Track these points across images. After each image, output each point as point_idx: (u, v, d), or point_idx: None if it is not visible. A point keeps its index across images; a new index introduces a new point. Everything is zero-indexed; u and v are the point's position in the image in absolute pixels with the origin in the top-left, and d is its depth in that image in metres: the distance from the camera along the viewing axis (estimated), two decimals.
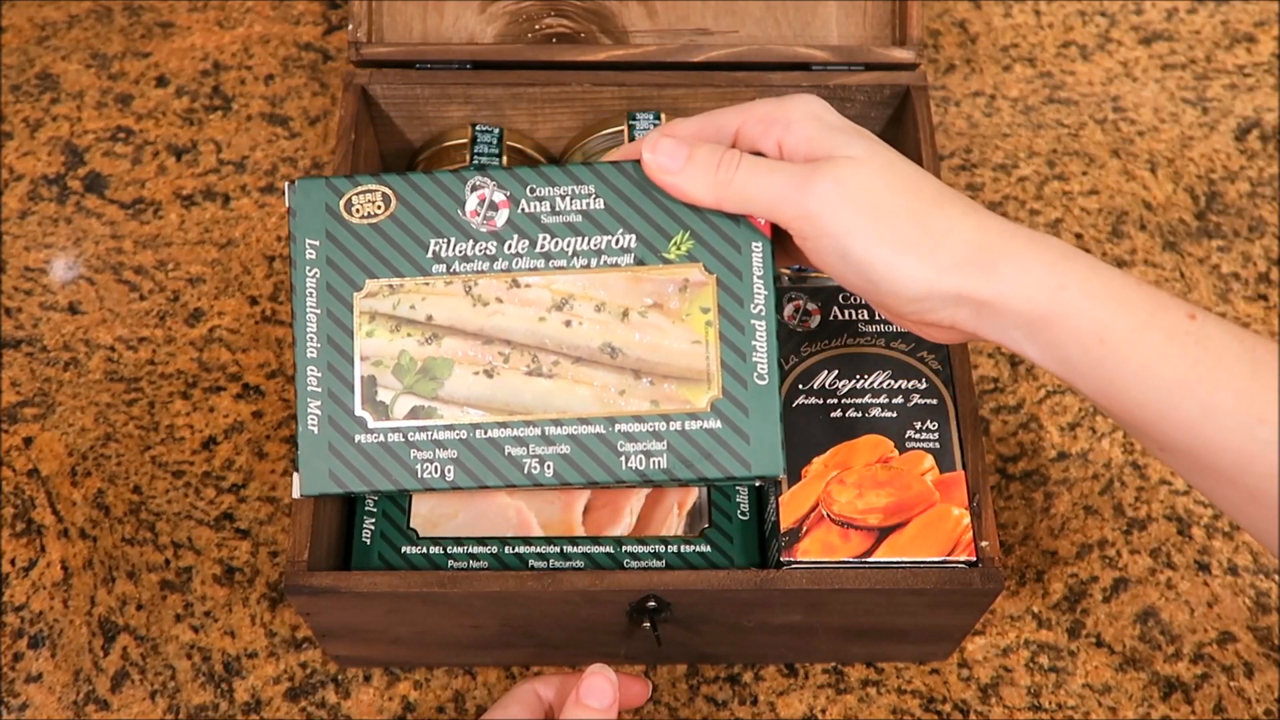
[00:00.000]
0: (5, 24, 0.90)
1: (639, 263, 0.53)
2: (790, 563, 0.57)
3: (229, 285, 0.78)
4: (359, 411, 0.52)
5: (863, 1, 0.73)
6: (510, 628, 0.61)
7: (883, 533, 0.57)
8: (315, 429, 0.52)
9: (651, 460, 0.52)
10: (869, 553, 0.57)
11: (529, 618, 0.60)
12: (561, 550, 0.60)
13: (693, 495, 0.62)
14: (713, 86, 0.72)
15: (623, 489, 0.61)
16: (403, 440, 0.52)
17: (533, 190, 0.53)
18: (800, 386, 0.61)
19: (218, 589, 0.68)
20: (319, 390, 0.52)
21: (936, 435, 0.60)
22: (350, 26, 0.72)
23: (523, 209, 0.53)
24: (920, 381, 0.61)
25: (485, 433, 0.52)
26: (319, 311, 0.52)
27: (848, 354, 0.62)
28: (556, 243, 0.53)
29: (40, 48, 0.89)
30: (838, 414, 0.60)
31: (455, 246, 0.52)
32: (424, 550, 0.60)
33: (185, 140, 0.84)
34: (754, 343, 0.53)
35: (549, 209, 0.52)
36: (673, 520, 0.61)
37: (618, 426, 0.52)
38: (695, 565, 0.60)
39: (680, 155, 0.51)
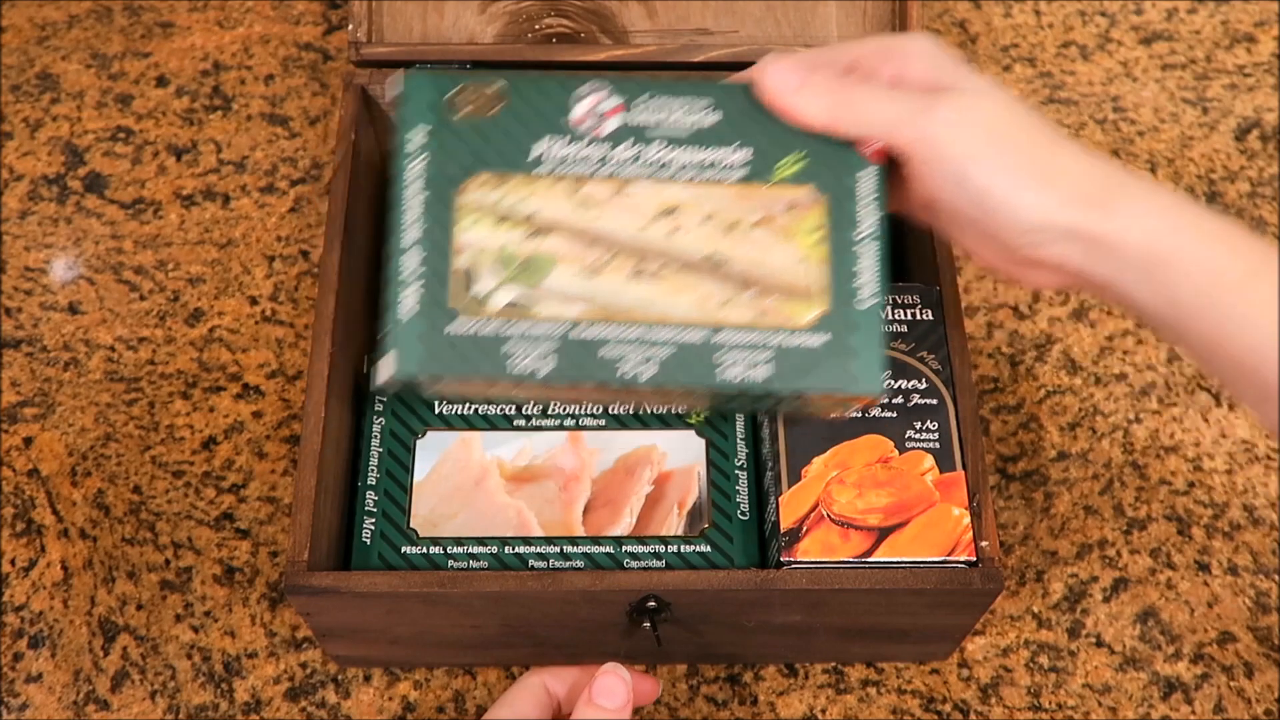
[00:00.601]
0: (5, 24, 0.90)
1: (749, 180, 0.53)
2: (790, 563, 0.57)
3: (229, 285, 0.78)
4: (452, 303, 0.51)
5: (863, 1, 0.73)
6: (510, 628, 0.61)
7: (883, 533, 0.57)
8: (407, 317, 0.51)
9: (751, 371, 0.52)
10: (869, 553, 0.57)
11: (529, 618, 0.60)
12: (561, 550, 0.60)
13: (692, 495, 0.62)
14: None
15: (624, 489, 0.61)
16: (497, 333, 0.51)
17: (645, 99, 0.53)
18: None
19: (218, 589, 0.68)
20: (414, 279, 0.52)
21: (936, 435, 0.60)
22: (350, 26, 0.72)
23: (634, 118, 0.53)
24: (920, 381, 0.61)
25: (583, 331, 0.51)
26: (419, 201, 0.52)
27: None
28: (666, 153, 0.53)
29: (40, 48, 0.89)
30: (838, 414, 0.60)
31: (563, 149, 0.53)
32: (424, 550, 0.60)
33: (185, 140, 0.84)
34: (861, 265, 0.53)
35: (661, 119, 0.53)
36: (673, 520, 0.61)
37: (718, 336, 0.52)
38: (695, 565, 0.60)
39: (797, 75, 0.51)
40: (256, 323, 0.77)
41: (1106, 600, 0.69)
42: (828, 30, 0.73)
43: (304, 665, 0.66)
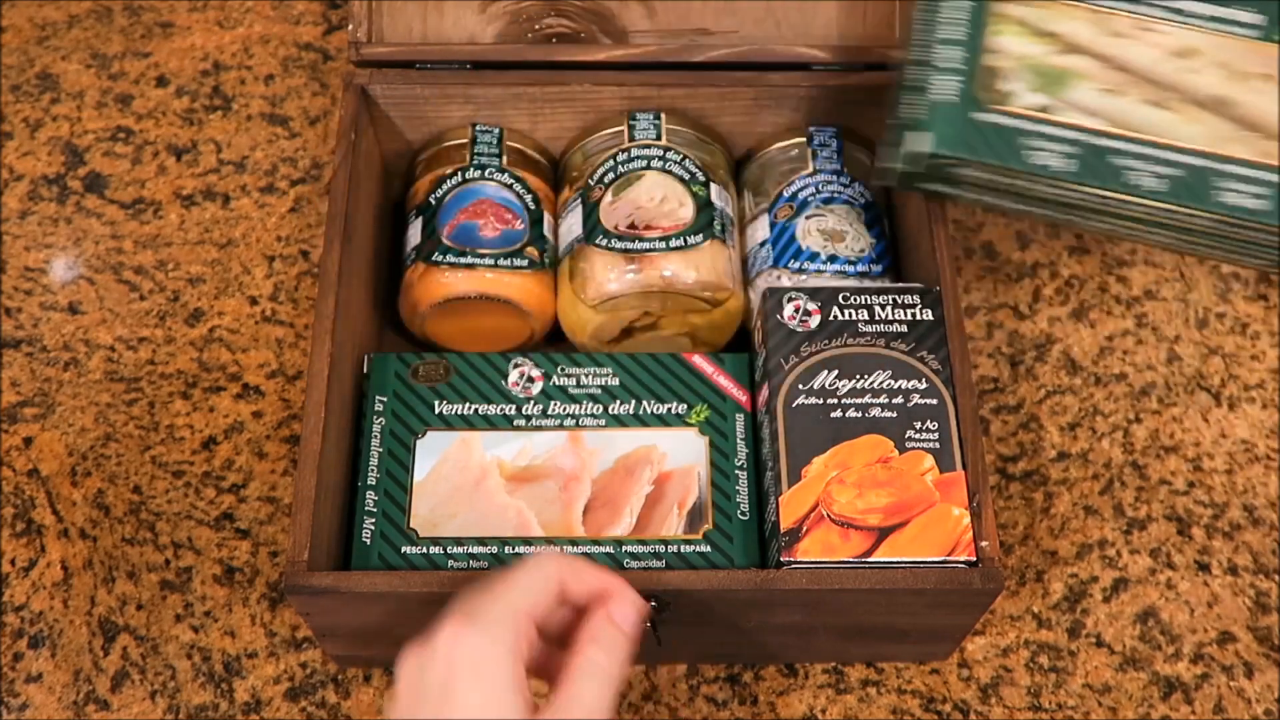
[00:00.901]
0: (5, 24, 0.90)
1: (1264, 38, 0.59)
2: (790, 563, 0.57)
3: (229, 285, 0.78)
4: (981, 95, 0.58)
5: (863, 1, 0.73)
6: None
7: (883, 533, 0.57)
8: (944, 100, 0.58)
9: (1248, 200, 0.56)
10: (869, 553, 0.57)
11: None
12: (561, 550, 0.60)
13: (693, 495, 0.62)
14: (713, 86, 0.72)
15: (624, 489, 0.61)
16: (1019, 127, 0.57)
17: None
18: (800, 386, 0.61)
19: (218, 589, 0.68)
20: (949, 69, 0.59)
21: (936, 435, 0.60)
22: (350, 26, 0.72)
23: None
24: (920, 381, 0.61)
25: (1098, 139, 0.57)
26: (961, 3, 0.60)
27: (848, 354, 0.62)
28: (1190, 4, 0.59)
29: (40, 48, 0.89)
30: (838, 414, 0.60)
31: None
32: (424, 550, 0.60)
33: (185, 140, 0.84)
34: None
35: None
36: (673, 520, 0.61)
37: (1222, 165, 0.56)
38: (695, 565, 0.60)
39: None
40: (256, 323, 0.77)
41: (1106, 600, 0.69)
42: (828, 30, 0.73)
43: (304, 665, 0.66)
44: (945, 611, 0.59)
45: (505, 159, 0.72)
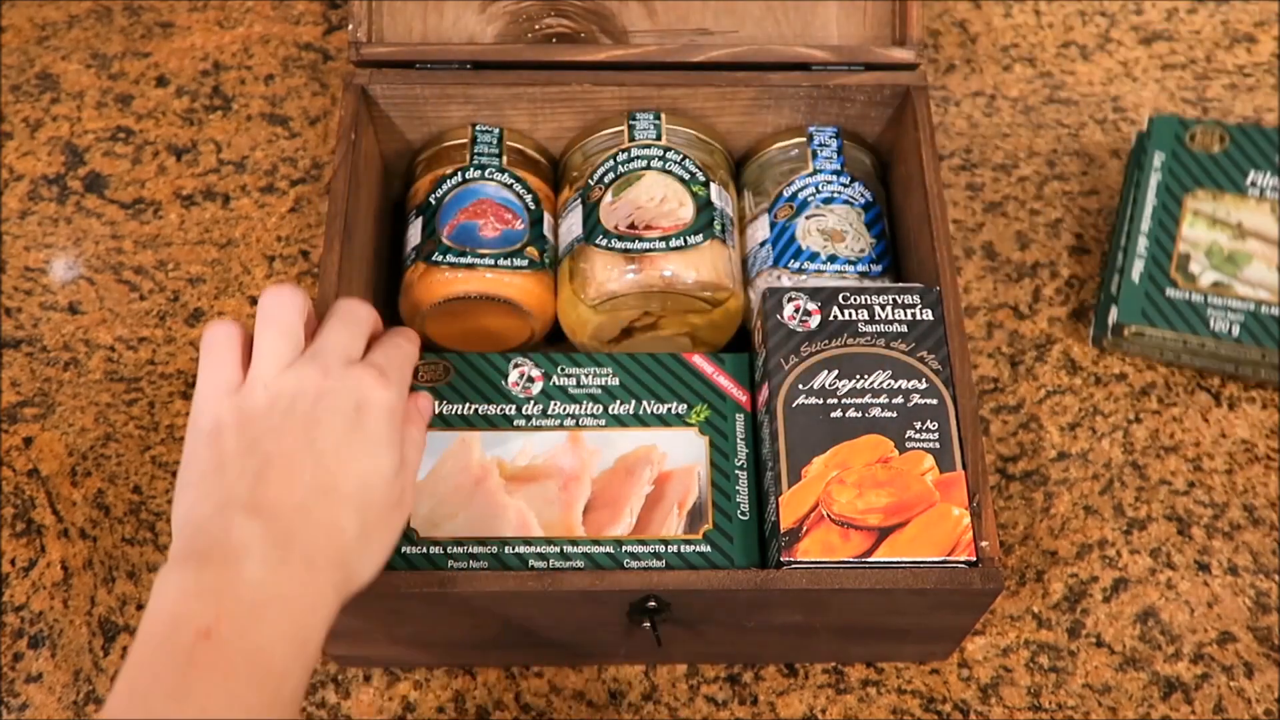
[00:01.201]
0: (5, 24, 0.90)
1: None
2: (790, 563, 0.57)
3: (229, 285, 0.78)
4: (1173, 274, 0.70)
5: (863, 1, 0.73)
6: (510, 628, 0.61)
7: (883, 533, 0.57)
8: (1136, 280, 0.70)
9: None
10: (869, 553, 0.57)
11: (529, 618, 0.60)
12: (561, 551, 0.60)
13: (693, 495, 0.62)
14: (713, 86, 0.72)
15: (624, 489, 0.61)
16: (1202, 300, 0.69)
17: None
18: (800, 386, 0.61)
19: None
20: (1144, 255, 0.70)
21: (936, 435, 0.60)
22: (350, 26, 0.72)
23: None
24: (920, 381, 0.61)
25: (1269, 310, 0.69)
26: (1154, 204, 0.71)
27: (848, 354, 0.62)
28: None
29: (40, 48, 0.89)
30: (838, 414, 0.60)
31: (1269, 179, 0.71)
32: (424, 550, 0.60)
33: (185, 140, 0.84)
34: None
35: None
36: (673, 520, 0.61)
37: None
38: (695, 566, 0.60)
39: None
40: (249, 316, 0.77)
41: (1106, 600, 0.69)
42: (828, 30, 0.73)
43: None
44: (945, 611, 0.59)
45: (505, 159, 0.72)
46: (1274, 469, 0.73)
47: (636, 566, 0.60)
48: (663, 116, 0.73)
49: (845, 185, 0.72)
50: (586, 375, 0.65)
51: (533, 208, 0.71)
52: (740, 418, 0.64)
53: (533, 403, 0.64)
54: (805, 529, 0.57)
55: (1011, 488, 0.72)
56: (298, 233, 0.80)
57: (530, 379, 0.65)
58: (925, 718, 0.65)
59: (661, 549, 0.60)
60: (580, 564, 0.60)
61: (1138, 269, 0.70)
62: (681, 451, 0.63)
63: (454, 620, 0.60)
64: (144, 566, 0.69)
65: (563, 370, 0.65)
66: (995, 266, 0.80)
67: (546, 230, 0.71)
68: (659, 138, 0.71)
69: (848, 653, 0.66)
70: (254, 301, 0.77)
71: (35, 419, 0.73)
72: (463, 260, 0.68)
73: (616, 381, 0.65)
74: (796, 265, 0.69)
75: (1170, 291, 0.69)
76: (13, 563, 0.69)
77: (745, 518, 0.61)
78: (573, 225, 0.70)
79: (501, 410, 0.64)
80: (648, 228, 0.68)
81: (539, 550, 0.60)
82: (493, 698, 0.66)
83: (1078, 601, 0.69)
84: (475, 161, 0.72)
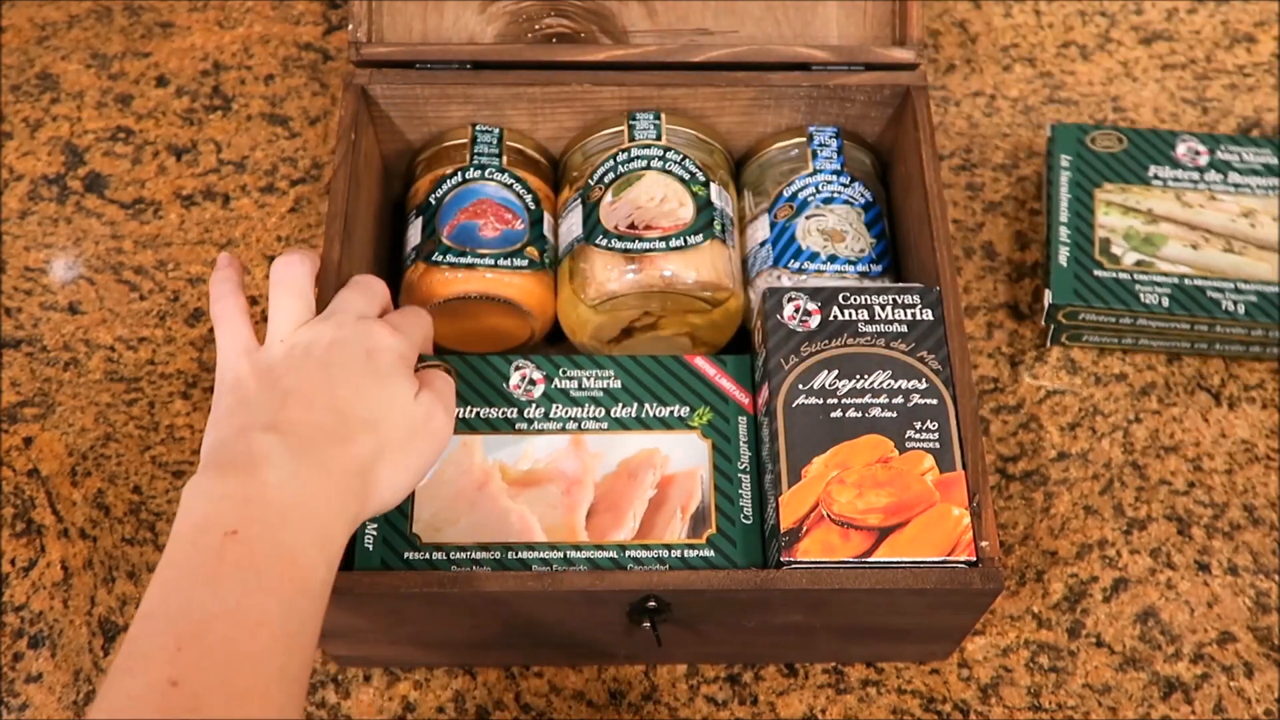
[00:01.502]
0: (5, 24, 0.90)
1: None
2: (790, 563, 0.57)
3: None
4: (1097, 256, 0.75)
5: (863, 1, 0.73)
6: (510, 628, 0.61)
7: (883, 533, 0.57)
8: (1064, 264, 0.74)
9: None
10: (869, 553, 0.57)
11: (529, 618, 0.60)
12: (565, 555, 0.60)
13: (696, 499, 0.62)
14: (713, 86, 0.72)
15: (627, 493, 0.61)
16: (1129, 278, 0.74)
17: (1227, 146, 0.79)
18: (800, 386, 0.61)
19: None
20: (1067, 242, 0.75)
21: (936, 435, 0.60)
22: (350, 26, 0.72)
23: (1220, 155, 0.78)
24: (920, 381, 0.61)
25: (1191, 281, 0.74)
26: (1069, 197, 0.77)
27: (848, 354, 0.62)
28: (1244, 180, 0.77)
29: (40, 48, 0.89)
30: (838, 414, 0.60)
31: (1169, 173, 0.77)
32: (426, 556, 0.60)
33: (185, 140, 0.84)
34: None
35: (1237, 159, 0.78)
36: (676, 524, 0.61)
37: None
38: (698, 570, 0.60)
39: None
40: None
41: (1106, 600, 0.69)
42: (828, 30, 0.73)
43: None
44: (945, 611, 0.59)
45: (505, 159, 0.72)
46: (1274, 469, 0.73)
47: (639, 570, 0.60)
48: (663, 116, 0.73)
49: (845, 185, 0.72)
50: (588, 378, 0.65)
51: (533, 208, 0.71)
52: (743, 420, 0.64)
53: (535, 406, 0.64)
54: (805, 529, 0.57)
55: (1011, 488, 0.72)
56: (298, 233, 0.80)
57: (532, 381, 0.65)
58: (925, 718, 0.65)
59: (665, 553, 0.60)
60: (583, 569, 0.59)
61: (1064, 254, 0.75)
62: (684, 455, 0.63)
63: (454, 620, 0.60)
64: (144, 566, 0.69)
65: (564, 373, 0.65)
66: (995, 266, 0.80)
67: (546, 230, 0.71)
68: (659, 138, 0.71)
69: (848, 653, 0.66)
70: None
71: (35, 419, 0.73)
72: (463, 260, 0.68)
73: (618, 384, 0.65)
74: (796, 265, 0.69)
75: (1098, 272, 0.74)
76: (13, 563, 0.69)
77: (748, 521, 0.61)
78: (573, 225, 0.70)
79: (503, 413, 0.64)
80: (648, 228, 0.68)
81: (542, 555, 0.60)
82: (493, 698, 0.66)
83: (1078, 601, 0.69)
84: (475, 161, 0.72)
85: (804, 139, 0.74)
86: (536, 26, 0.74)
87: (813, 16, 0.73)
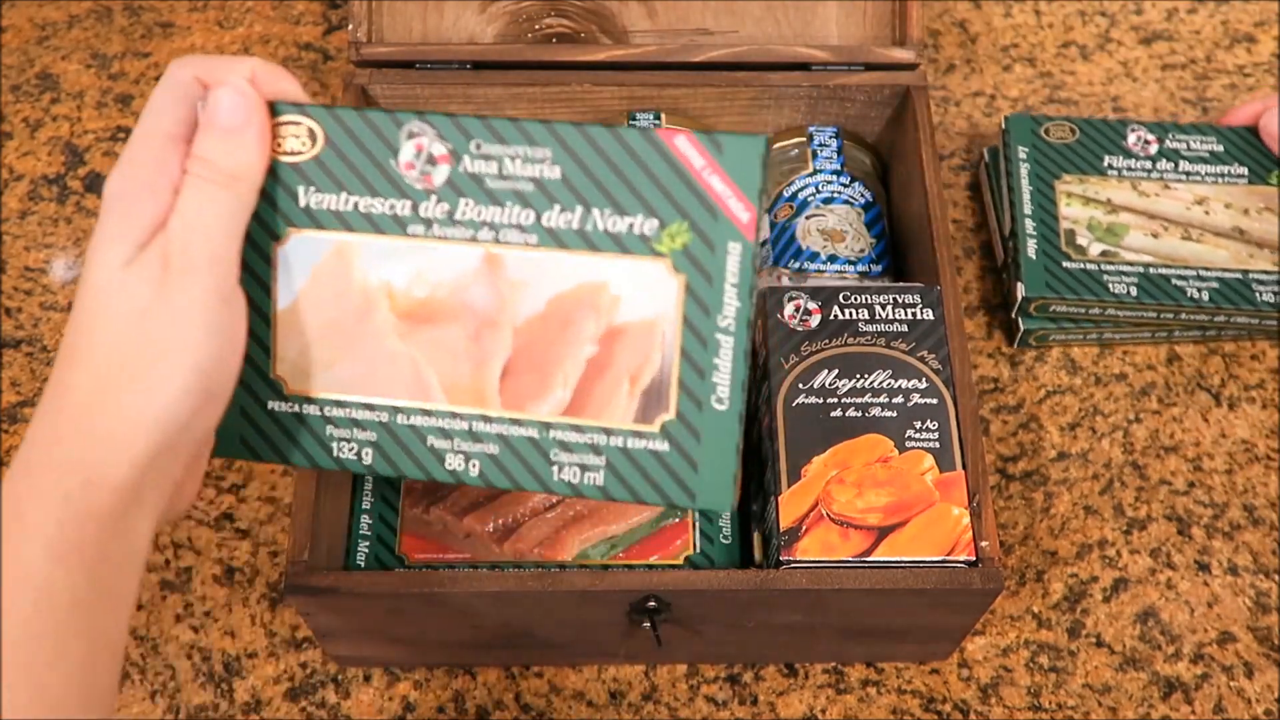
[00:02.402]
0: (5, 24, 0.90)
1: (1251, 182, 0.77)
2: (790, 562, 0.57)
3: None
4: (1064, 248, 0.74)
5: (863, 1, 0.73)
6: (510, 628, 0.61)
7: (882, 532, 0.57)
8: (1033, 256, 0.74)
9: (1270, 296, 0.73)
10: (869, 552, 0.57)
11: (529, 618, 0.60)
12: (470, 429, 0.45)
13: (652, 366, 0.45)
14: (713, 86, 0.72)
15: (556, 346, 0.45)
16: (1097, 268, 0.73)
17: (1175, 135, 0.79)
18: (800, 386, 0.61)
19: (218, 589, 0.68)
20: (1034, 234, 0.74)
21: (936, 435, 0.60)
22: (350, 26, 0.72)
23: (1169, 144, 0.78)
24: (920, 381, 0.61)
25: (1157, 270, 0.74)
26: (1030, 190, 0.76)
27: (848, 354, 0.62)
28: (1195, 168, 0.77)
29: (40, 48, 0.89)
30: (838, 414, 0.60)
31: (1123, 163, 0.77)
32: (295, 409, 0.46)
33: None
34: None
35: (1185, 147, 0.78)
36: (620, 400, 0.45)
37: (1250, 275, 0.74)
38: (644, 467, 0.45)
39: None
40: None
41: (1106, 600, 0.69)
42: (828, 30, 0.73)
43: (304, 665, 0.66)
44: (945, 611, 0.59)
45: None
46: (1274, 469, 0.73)
47: (566, 460, 0.46)
48: (663, 116, 0.73)
49: (845, 185, 0.72)
50: (513, 160, 0.44)
51: None
52: (734, 249, 0.44)
53: (435, 199, 0.45)
54: (805, 528, 0.57)
55: (1011, 488, 0.72)
56: None
57: (431, 161, 0.44)
58: (925, 718, 0.65)
59: (602, 440, 0.45)
60: (493, 447, 0.46)
61: (1032, 247, 0.74)
62: (642, 296, 0.44)
63: (454, 620, 0.60)
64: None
65: (478, 147, 0.44)
66: (995, 266, 0.80)
67: None
68: None
69: (848, 653, 0.66)
70: None
71: None
72: None
73: (557, 174, 0.44)
74: (796, 265, 0.69)
75: (1066, 264, 0.74)
76: None
77: (722, 407, 0.44)
78: None
79: (391, 207, 0.45)
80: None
81: (441, 424, 0.46)
82: (493, 698, 0.66)
83: (1078, 601, 0.69)
84: None
85: (804, 139, 0.74)
86: (536, 26, 0.74)
87: (813, 16, 0.73)
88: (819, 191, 0.71)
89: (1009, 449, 0.73)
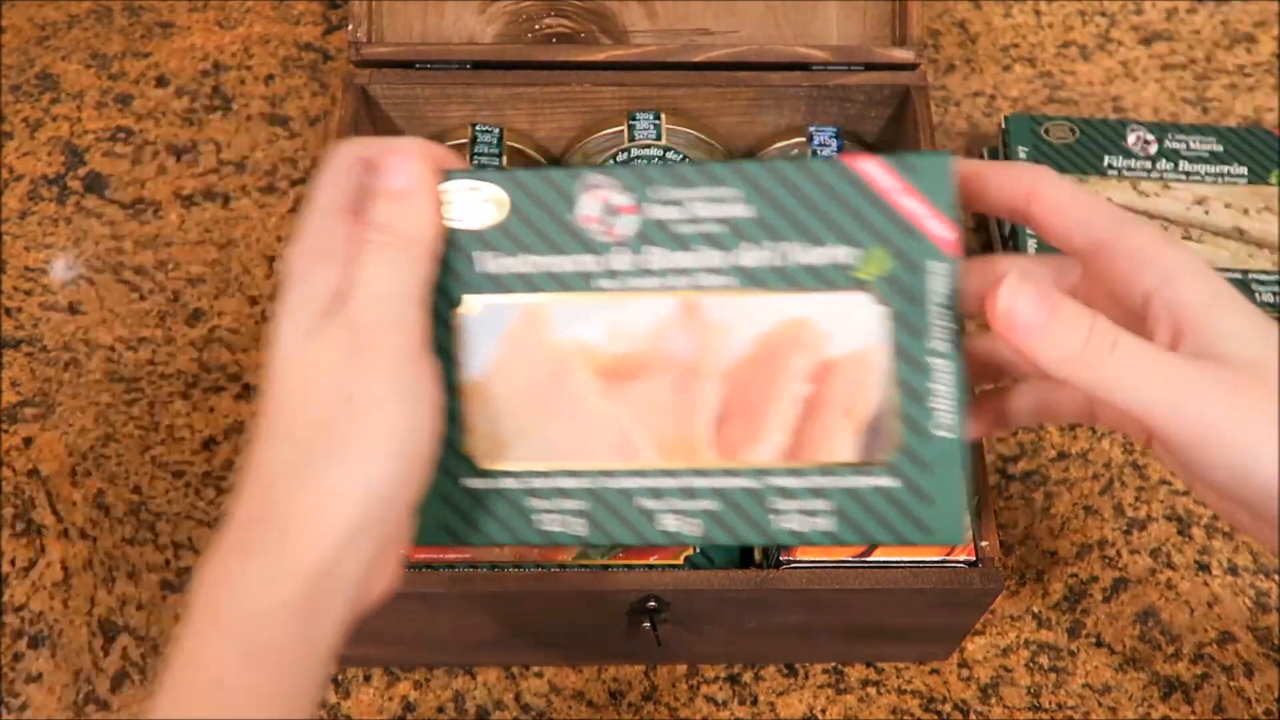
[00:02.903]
0: (5, 24, 0.90)
1: (1251, 182, 0.78)
2: (790, 562, 0.57)
3: (229, 285, 0.78)
4: None
5: (863, 1, 0.73)
6: (510, 628, 0.61)
7: None
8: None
9: (1270, 298, 0.74)
10: (868, 552, 0.57)
11: (529, 618, 0.60)
12: (687, 486, 0.42)
13: (871, 398, 0.41)
14: (713, 86, 0.72)
15: (768, 388, 0.43)
16: None
17: (1175, 135, 0.80)
18: None
19: None
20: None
21: None
22: (350, 26, 0.72)
23: (1168, 144, 0.79)
24: None
25: None
26: None
27: None
28: (1195, 168, 0.78)
29: (40, 48, 0.89)
30: None
31: (1122, 162, 0.78)
32: (492, 486, 0.43)
33: (185, 140, 0.84)
34: None
35: (1185, 147, 0.79)
36: (840, 439, 0.42)
37: (1249, 276, 0.75)
38: (876, 510, 0.42)
39: (1043, 311, 0.39)
40: (257, 323, 0.77)
41: (1106, 600, 0.69)
42: (828, 30, 0.73)
43: None
44: (945, 611, 0.59)
45: (505, 159, 0.72)
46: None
47: (788, 508, 0.42)
48: (663, 116, 0.73)
49: None
50: (700, 203, 0.42)
51: None
52: (939, 269, 0.41)
53: (622, 250, 0.42)
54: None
55: (1011, 488, 0.72)
56: None
57: (614, 212, 0.42)
58: (925, 718, 0.65)
59: (825, 482, 0.42)
60: (712, 503, 0.42)
61: (1032, 247, 0.75)
62: (850, 328, 0.42)
63: (454, 620, 0.60)
64: (144, 567, 0.69)
65: (662, 195, 0.42)
66: None
67: None
68: (659, 138, 0.71)
69: (848, 653, 0.66)
70: (254, 302, 0.78)
71: (35, 419, 0.73)
72: None
73: (747, 212, 0.42)
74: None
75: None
76: (13, 563, 0.69)
77: (946, 434, 0.41)
78: None
79: (575, 263, 0.42)
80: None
81: (653, 484, 0.42)
82: (493, 698, 0.66)
83: (1078, 601, 0.69)
84: (475, 161, 0.72)
85: (804, 139, 0.74)
86: (536, 26, 0.74)
87: (813, 16, 0.73)
88: None
89: (1009, 449, 0.73)
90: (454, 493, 0.43)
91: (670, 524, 0.43)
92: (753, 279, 0.42)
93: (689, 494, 0.42)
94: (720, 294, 0.42)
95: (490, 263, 0.43)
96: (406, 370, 0.39)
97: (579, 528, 0.43)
